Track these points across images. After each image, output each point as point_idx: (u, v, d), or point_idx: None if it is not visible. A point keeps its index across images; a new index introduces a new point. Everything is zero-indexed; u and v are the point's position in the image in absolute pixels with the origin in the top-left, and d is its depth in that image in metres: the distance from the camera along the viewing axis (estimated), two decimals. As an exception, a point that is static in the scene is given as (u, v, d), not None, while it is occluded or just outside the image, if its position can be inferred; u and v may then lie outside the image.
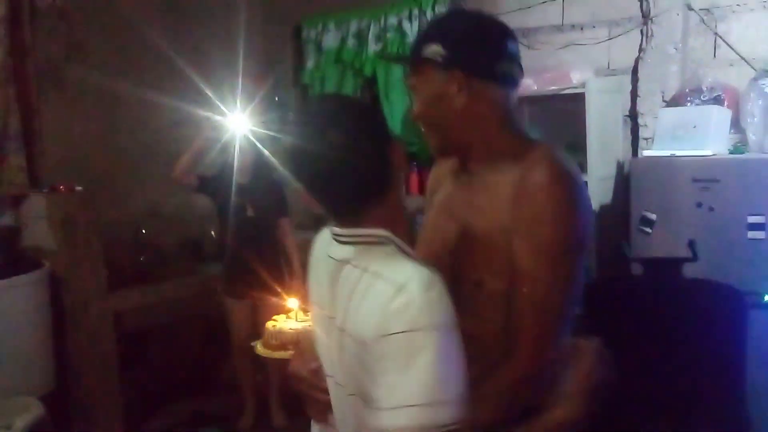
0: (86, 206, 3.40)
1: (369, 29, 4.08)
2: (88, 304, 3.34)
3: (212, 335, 3.98)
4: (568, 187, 1.20)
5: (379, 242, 1.12)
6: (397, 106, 3.99)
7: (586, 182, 3.20)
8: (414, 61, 1.32)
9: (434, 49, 1.27)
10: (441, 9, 3.78)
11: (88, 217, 3.38)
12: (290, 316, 2.31)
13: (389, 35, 3.99)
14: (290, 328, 2.27)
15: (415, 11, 3.87)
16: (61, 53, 3.66)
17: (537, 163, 1.21)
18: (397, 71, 3.97)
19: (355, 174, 1.10)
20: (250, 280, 3.35)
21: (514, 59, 1.32)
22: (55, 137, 3.64)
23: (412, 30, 3.88)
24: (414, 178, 4.04)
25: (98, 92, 3.83)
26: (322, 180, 1.11)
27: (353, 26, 4.16)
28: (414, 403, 0.97)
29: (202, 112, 3.47)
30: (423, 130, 1.35)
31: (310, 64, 4.42)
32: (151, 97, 3.99)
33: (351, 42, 4.18)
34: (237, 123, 3.37)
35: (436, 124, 1.32)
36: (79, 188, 3.43)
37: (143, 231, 3.92)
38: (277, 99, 4.52)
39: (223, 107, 3.42)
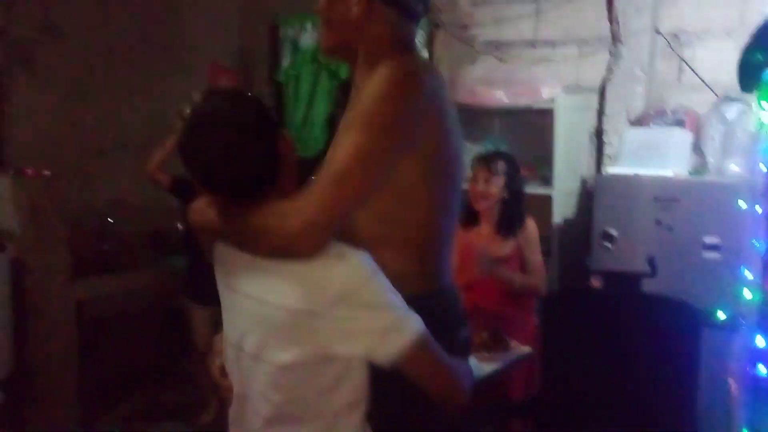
0: (53, 191, 3.36)
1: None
2: (51, 290, 3.30)
3: (173, 327, 3.97)
4: (397, 76, 1.27)
5: None
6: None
7: (550, 196, 3.33)
8: None
9: None
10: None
11: (54, 202, 3.35)
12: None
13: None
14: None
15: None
16: (34, 35, 3.61)
17: (385, 65, 1.29)
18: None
19: (243, 166, 1.18)
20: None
21: None
22: (25, 120, 3.59)
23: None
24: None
25: (70, 77, 3.79)
26: (212, 173, 1.19)
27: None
28: (397, 323, 1.18)
29: (177, 106, 3.45)
30: (319, 26, 1.46)
31: (285, 62, 4.43)
32: (125, 86, 3.97)
33: (328, 43, 4.20)
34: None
35: (329, 23, 1.42)
36: (46, 173, 3.38)
37: (109, 220, 3.89)
38: (249, 95, 4.52)
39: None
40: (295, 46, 4.39)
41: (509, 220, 2.83)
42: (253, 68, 4.63)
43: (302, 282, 1.18)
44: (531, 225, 2.86)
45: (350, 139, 1.24)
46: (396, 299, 1.21)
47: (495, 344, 2.61)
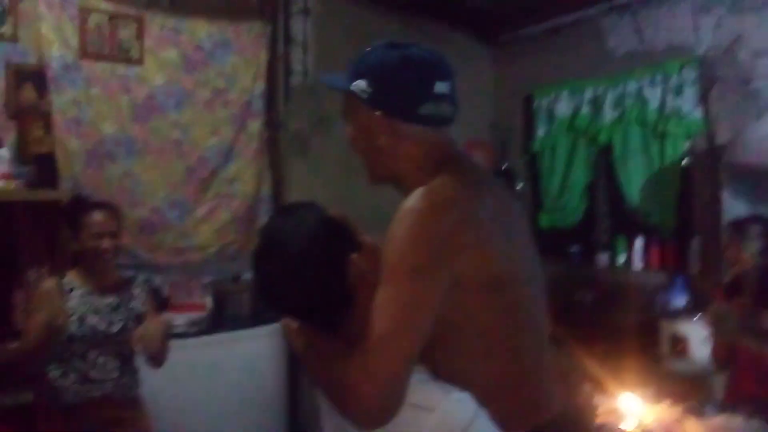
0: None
1: (606, 96, 3.92)
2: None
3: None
4: (423, 211, 1.18)
5: None
6: (634, 175, 3.76)
7: None
8: (345, 90, 1.34)
9: (360, 85, 1.30)
10: (689, 73, 3.52)
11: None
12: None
13: (628, 102, 3.80)
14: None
15: (658, 77, 3.65)
16: (309, 125, 3.97)
17: (413, 194, 1.21)
18: (635, 138, 3.76)
19: (302, 292, 1.14)
20: None
21: (443, 99, 1.30)
22: (300, 198, 3.91)
23: (654, 96, 3.66)
24: (655, 252, 3.74)
25: (339, 160, 4.08)
26: (274, 298, 1.18)
27: (588, 93, 4.03)
28: None
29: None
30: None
31: (541, 132, 4.35)
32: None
33: (585, 109, 4.05)
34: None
35: (365, 155, 1.37)
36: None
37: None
38: (504, 168, 4.50)
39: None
40: (550, 116, 4.29)
41: None
42: (508, 141, 4.61)
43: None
44: None
45: (383, 296, 1.14)
46: None
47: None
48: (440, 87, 1.30)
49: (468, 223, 1.19)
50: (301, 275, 1.15)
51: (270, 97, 3.89)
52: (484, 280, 1.19)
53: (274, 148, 3.92)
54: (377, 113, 1.30)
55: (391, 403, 1.09)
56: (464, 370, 1.21)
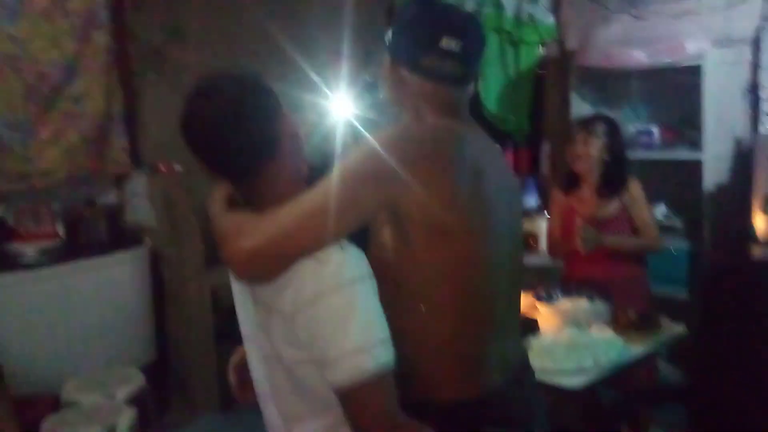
0: (185, 186, 3.46)
1: (464, 3, 3.94)
2: (187, 279, 3.40)
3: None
4: (386, 140, 1.22)
5: None
6: (492, 83, 3.84)
7: (700, 161, 3.01)
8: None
9: (387, 33, 1.37)
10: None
11: (187, 195, 3.45)
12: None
13: (486, 9, 3.84)
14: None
15: (514, -16, 3.71)
16: (161, 36, 3.73)
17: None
18: (492, 46, 3.82)
19: (236, 139, 1.17)
20: None
21: (449, 56, 1.31)
22: (156, 118, 3.72)
23: (509, 3, 3.72)
24: (509, 156, 3.89)
25: (198, 74, 3.89)
26: (206, 147, 1.19)
27: (448, 0, 4.04)
28: (364, 346, 1.09)
29: (305, 96, 3.43)
30: None
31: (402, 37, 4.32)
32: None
33: (446, 19, 4.06)
34: (338, 107, 3.29)
35: (383, 85, 1.42)
36: (179, 168, 3.49)
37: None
38: (368, 79, 4.47)
39: (326, 90, 3.36)
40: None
41: (610, 182, 2.77)
42: (372, 51, 4.56)
43: (287, 284, 1.14)
44: (634, 184, 2.77)
45: (325, 185, 1.20)
46: (375, 319, 1.12)
47: (644, 324, 2.38)
48: (448, 43, 1.30)
49: (427, 168, 1.21)
50: (237, 120, 1.17)
51: (117, 5, 3.60)
52: (430, 225, 1.22)
53: (125, 62, 3.67)
54: (389, 59, 1.36)
55: (265, 269, 1.16)
56: (412, 311, 1.26)
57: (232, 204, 1.26)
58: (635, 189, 2.76)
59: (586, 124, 2.83)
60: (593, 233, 2.63)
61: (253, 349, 1.30)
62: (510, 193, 1.40)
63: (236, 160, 1.20)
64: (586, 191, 2.81)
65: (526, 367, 1.43)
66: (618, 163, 2.77)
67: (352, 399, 1.10)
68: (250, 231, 1.17)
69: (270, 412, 1.30)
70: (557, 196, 2.92)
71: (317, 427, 1.22)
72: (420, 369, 1.27)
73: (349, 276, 1.12)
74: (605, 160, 2.76)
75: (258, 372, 1.31)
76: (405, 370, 1.18)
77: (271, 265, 1.15)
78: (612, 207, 2.75)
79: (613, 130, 2.80)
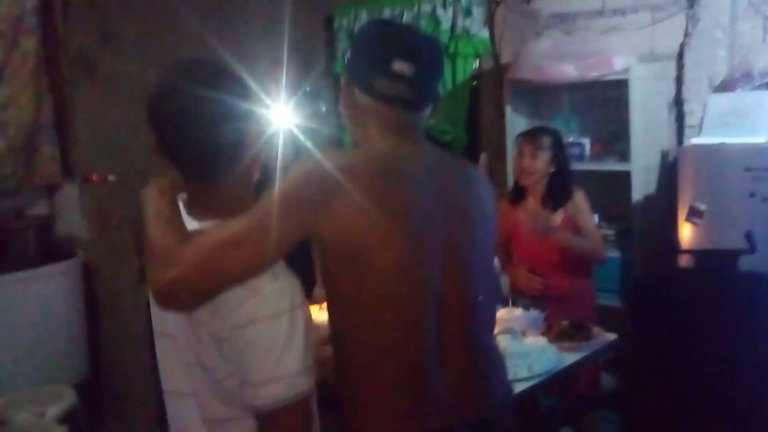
0: (119, 196, 3.38)
1: (402, 16, 3.99)
2: (121, 293, 3.32)
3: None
4: (316, 164, 1.23)
5: None
6: (431, 95, 3.91)
7: (629, 172, 3.12)
8: None
9: (346, 54, 1.37)
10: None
11: (121, 207, 3.37)
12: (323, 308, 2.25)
13: (423, 22, 3.91)
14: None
15: (450, -2, 3.78)
16: (94, 42, 3.64)
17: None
18: (432, 59, 3.88)
19: (208, 134, 1.17)
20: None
21: (401, 79, 1.30)
22: (88, 126, 3.62)
23: (446, 17, 3.79)
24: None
25: (131, 81, 3.80)
26: (173, 134, 1.18)
27: (386, 14, 4.08)
28: (287, 374, 1.11)
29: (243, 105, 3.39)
30: None
31: (341, 53, 4.35)
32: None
33: (384, 30, 4.10)
34: (278, 117, 3.26)
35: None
36: (112, 178, 3.41)
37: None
38: (308, 90, 4.46)
39: (265, 99, 3.33)
40: (350, 37, 4.29)
41: (555, 194, 2.79)
42: (310, 62, 4.56)
43: (219, 306, 1.14)
44: (579, 195, 2.83)
45: (253, 211, 1.19)
46: (301, 348, 1.13)
47: (576, 332, 2.45)
48: (400, 66, 1.29)
49: (349, 195, 1.20)
50: (216, 112, 1.16)
51: (46, 10, 3.49)
52: (343, 251, 1.22)
53: (55, 68, 3.56)
54: (344, 80, 1.38)
55: (187, 300, 1.15)
56: (345, 339, 1.27)
57: (167, 205, 1.23)
58: (580, 199, 2.80)
59: (532, 137, 2.84)
60: (545, 218, 2.66)
61: (169, 350, 1.27)
62: (470, 220, 1.36)
63: (203, 155, 1.19)
64: (532, 203, 2.84)
65: (484, 421, 1.32)
66: (563, 174, 2.81)
67: (269, 422, 1.13)
68: (173, 258, 1.14)
69: (185, 413, 1.26)
70: (504, 207, 2.95)
71: (243, 429, 1.20)
72: (342, 399, 1.28)
73: (279, 307, 1.13)
74: (552, 172, 2.79)
75: (172, 373, 1.28)
76: (337, 400, 1.20)
77: (193, 297, 1.14)
78: (557, 218, 2.78)
79: (558, 142, 2.84)
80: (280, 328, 1.12)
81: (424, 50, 1.33)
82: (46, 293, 3.19)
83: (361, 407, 1.27)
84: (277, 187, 1.20)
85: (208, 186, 1.23)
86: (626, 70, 3.14)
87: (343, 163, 1.24)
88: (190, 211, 1.25)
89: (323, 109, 4.42)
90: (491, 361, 1.39)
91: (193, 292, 1.14)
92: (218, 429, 1.22)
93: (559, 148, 2.82)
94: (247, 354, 1.12)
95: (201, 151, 1.19)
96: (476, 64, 3.74)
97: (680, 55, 3.28)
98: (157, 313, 1.29)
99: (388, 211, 1.23)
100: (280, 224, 1.17)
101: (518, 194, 2.89)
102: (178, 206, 1.25)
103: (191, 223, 1.23)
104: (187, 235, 1.18)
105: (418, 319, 1.27)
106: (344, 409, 1.30)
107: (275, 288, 1.14)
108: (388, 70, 1.29)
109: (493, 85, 3.68)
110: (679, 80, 3.29)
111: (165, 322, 1.27)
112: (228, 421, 1.21)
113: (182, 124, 1.17)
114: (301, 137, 3.21)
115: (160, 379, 1.32)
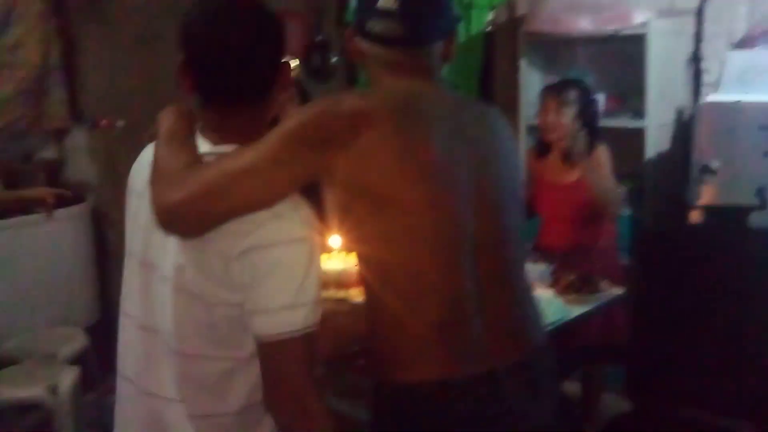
0: (128, 142, 3.36)
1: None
2: (130, 239, 3.33)
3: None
4: (328, 103, 1.23)
5: None
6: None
7: (643, 129, 3.09)
8: None
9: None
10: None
11: (130, 152, 3.35)
12: (332, 256, 2.25)
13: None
14: (333, 268, 2.21)
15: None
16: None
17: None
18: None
19: (253, 62, 1.18)
20: None
21: (387, 16, 1.28)
22: (97, 71, 3.59)
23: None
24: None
25: (139, 26, 3.75)
26: (214, 46, 1.17)
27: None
28: (307, 301, 1.11)
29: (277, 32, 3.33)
30: None
31: (354, 2, 4.27)
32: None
33: (398, -21, 4.01)
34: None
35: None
36: (121, 123, 3.39)
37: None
38: (319, 40, 4.40)
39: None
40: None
41: (578, 150, 2.66)
42: (323, 12, 4.48)
43: (239, 229, 1.12)
44: (602, 150, 2.72)
45: (260, 145, 1.17)
46: (313, 279, 1.13)
47: (583, 285, 2.45)
48: (385, 2, 1.27)
49: (376, 130, 1.18)
50: (260, 44, 1.19)
51: (53, -49, 3.43)
52: (372, 190, 1.18)
53: (63, 11, 3.51)
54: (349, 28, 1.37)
55: (189, 227, 1.14)
56: (379, 284, 1.24)
57: (183, 128, 1.23)
58: (603, 154, 2.70)
59: (558, 90, 2.73)
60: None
61: (156, 278, 1.23)
62: (493, 157, 1.33)
63: (245, 81, 1.20)
64: (554, 158, 2.78)
65: (526, 364, 1.28)
66: (592, 132, 2.67)
67: (274, 352, 1.11)
68: (181, 181, 1.13)
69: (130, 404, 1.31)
70: (530, 161, 2.90)
71: (215, 370, 1.18)
72: (376, 346, 1.26)
73: (303, 233, 1.13)
74: (578, 129, 2.66)
75: (146, 305, 1.27)
76: (369, 347, 1.19)
77: (196, 222, 1.13)
78: (576, 174, 2.71)
79: (585, 96, 2.72)
80: (302, 254, 1.12)
81: None
82: (55, 237, 3.21)
83: (399, 356, 1.23)
84: (295, 120, 1.19)
85: (228, 111, 1.22)
86: (644, 25, 3.07)
87: (364, 101, 1.24)
88: (206, 137, 1.24)
89: (335, 60, 4.36)
90: (527, 299, 1.36)
91: (197, 217, 1.12)
92: (191, 365, 1.19)
93: (586, 104, 2.72)
94: (266, 276, 1.10)
95: (235, 70, 1.18)
96: (491, 15, 3.67)
97: (699, 11, 3.21)
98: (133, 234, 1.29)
99: (414, 147, 1.21)
100: (294, 159, 1.16)
101: (543, 148, 2.84)
102: (194, 131, 1.24)
103: (204, 145, 1.22)
104: (198, 159, 1.18)
105: (454, 257, 1.23)
106: (379, 359, 1.26)
107: (296, 215, 1.14)
108: (374, 8, 1.28)
109: (508, 37, 3.62)
110: (698, 36, 3.22)
111: (143, 249, 1.25)
112: (202, 358, 1.17)
113: (221, 40, 1.17)
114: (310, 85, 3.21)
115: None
